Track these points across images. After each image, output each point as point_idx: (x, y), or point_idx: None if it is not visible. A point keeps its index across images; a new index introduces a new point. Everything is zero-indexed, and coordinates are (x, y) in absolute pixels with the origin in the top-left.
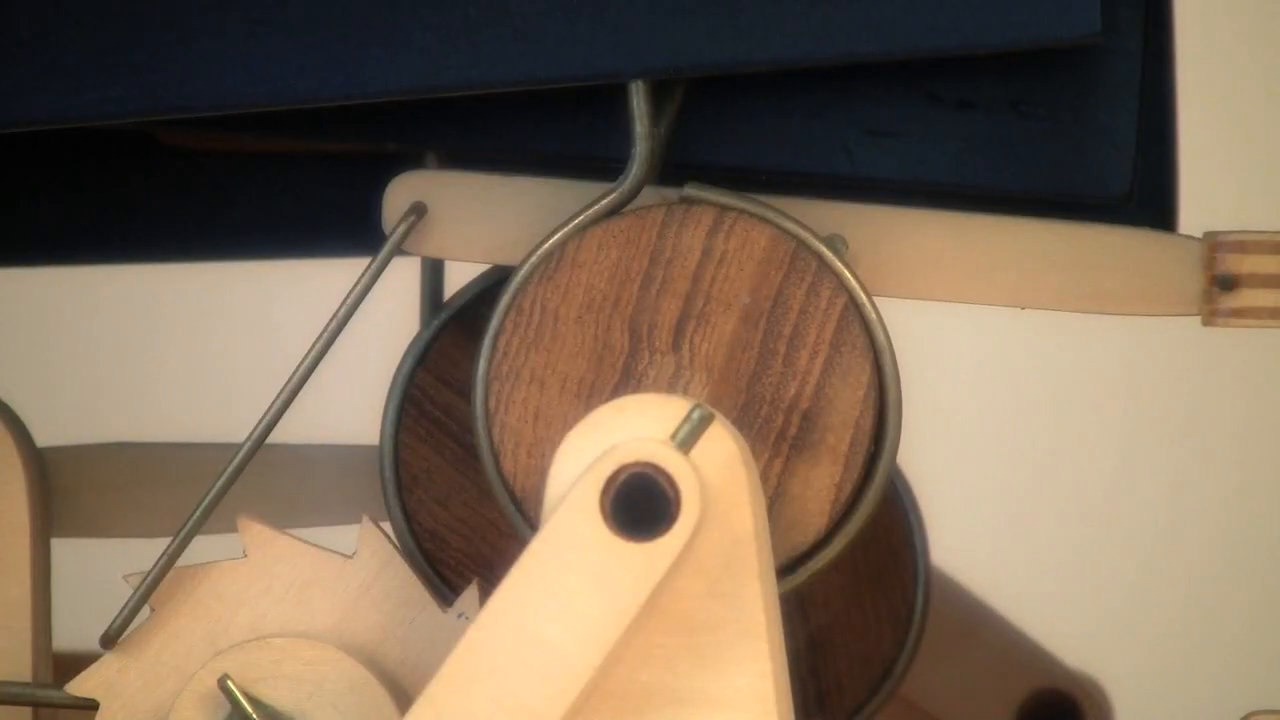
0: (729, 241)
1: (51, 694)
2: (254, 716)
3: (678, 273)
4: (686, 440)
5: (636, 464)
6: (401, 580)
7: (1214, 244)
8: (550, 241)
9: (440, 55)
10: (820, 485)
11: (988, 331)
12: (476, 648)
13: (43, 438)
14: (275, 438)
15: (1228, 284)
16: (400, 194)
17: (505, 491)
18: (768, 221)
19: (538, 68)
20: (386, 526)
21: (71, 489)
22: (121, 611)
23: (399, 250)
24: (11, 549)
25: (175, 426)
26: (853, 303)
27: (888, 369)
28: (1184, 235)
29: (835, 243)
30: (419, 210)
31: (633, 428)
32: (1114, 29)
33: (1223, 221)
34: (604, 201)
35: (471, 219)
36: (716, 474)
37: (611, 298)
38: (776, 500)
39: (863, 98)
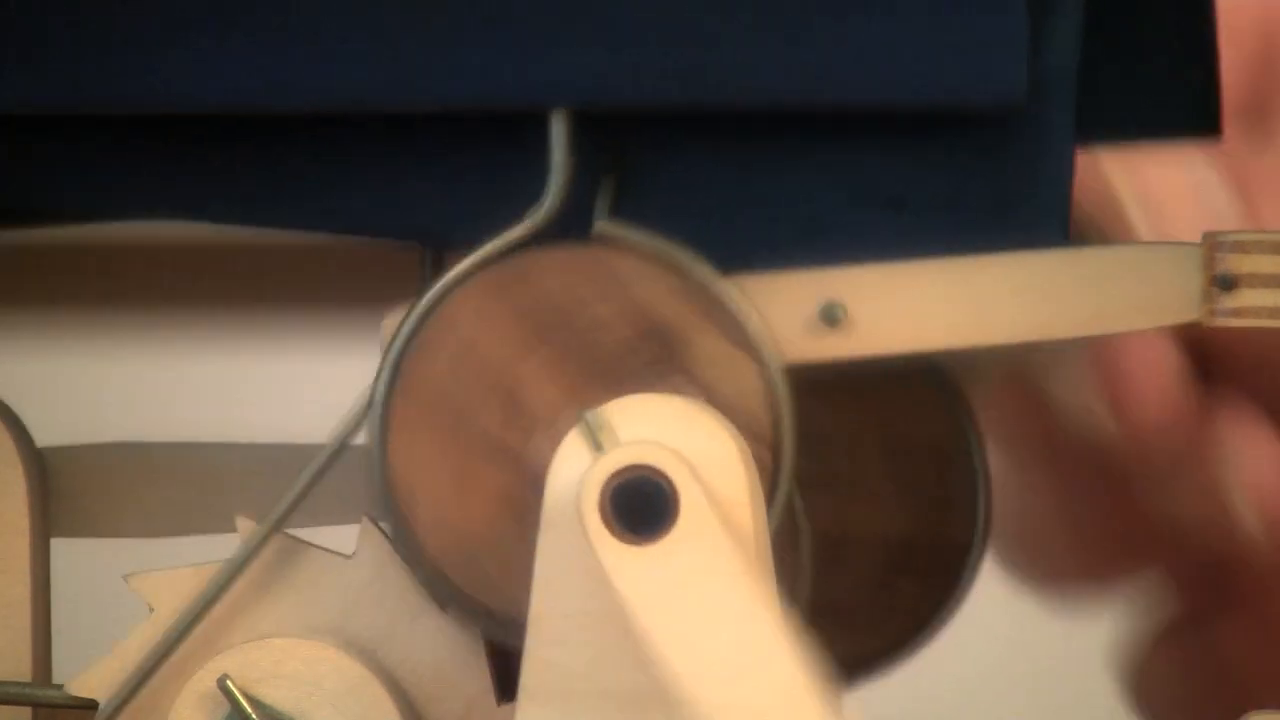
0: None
1: (51, 694)
2: (254, 716)
3: (575, 320)
4: (600, 443)
5: (636, 465)
6: (401, 580)
7: (1214, 244)
8: (427, 297)
9: (366, 70)
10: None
11: None
12: None
13: (43, 438)
14: (275, 437)
15: (1228, 284)
16: None
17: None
18: (677, 266)
19: (458, 90)
20: (387, 526)
21: (71, 489)
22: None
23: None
24: (11, 549)
25: (175, 426)
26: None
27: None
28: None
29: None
30: None
31: (632, 428)
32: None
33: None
34: (510, 235)
35: None
36: (716, 474)
37: (503, 356)
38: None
39: None
